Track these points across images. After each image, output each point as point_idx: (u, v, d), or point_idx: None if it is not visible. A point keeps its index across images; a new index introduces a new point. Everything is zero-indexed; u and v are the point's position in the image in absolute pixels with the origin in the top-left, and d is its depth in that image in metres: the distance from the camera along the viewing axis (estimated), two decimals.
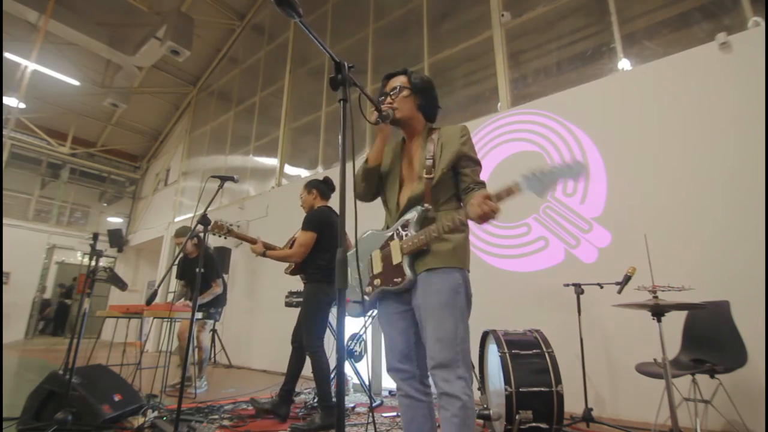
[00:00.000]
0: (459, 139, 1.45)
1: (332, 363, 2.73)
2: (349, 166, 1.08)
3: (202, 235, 2.48)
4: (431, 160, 1.43)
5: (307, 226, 2.78)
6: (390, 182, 1.54)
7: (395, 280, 1.39)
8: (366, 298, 1.48)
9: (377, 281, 1.45)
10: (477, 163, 1.46)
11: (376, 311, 1.51)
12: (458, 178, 1.45)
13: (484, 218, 1.21)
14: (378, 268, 1.46)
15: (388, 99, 1.50)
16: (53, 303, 11.25)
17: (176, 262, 2.98)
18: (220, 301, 4.04)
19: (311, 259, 2.76)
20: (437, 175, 1.41)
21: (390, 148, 1.60)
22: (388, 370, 1.44)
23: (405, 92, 1.50)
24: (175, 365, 4.65)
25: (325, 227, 2.80)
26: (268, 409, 2.66)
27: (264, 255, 2.71)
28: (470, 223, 1.37)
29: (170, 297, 7.87)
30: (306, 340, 2.64)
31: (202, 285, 3.91)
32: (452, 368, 1.26)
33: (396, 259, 1.40)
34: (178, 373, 3.96)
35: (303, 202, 3.00)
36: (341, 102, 1.11)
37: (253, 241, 2.83)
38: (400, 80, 1.53)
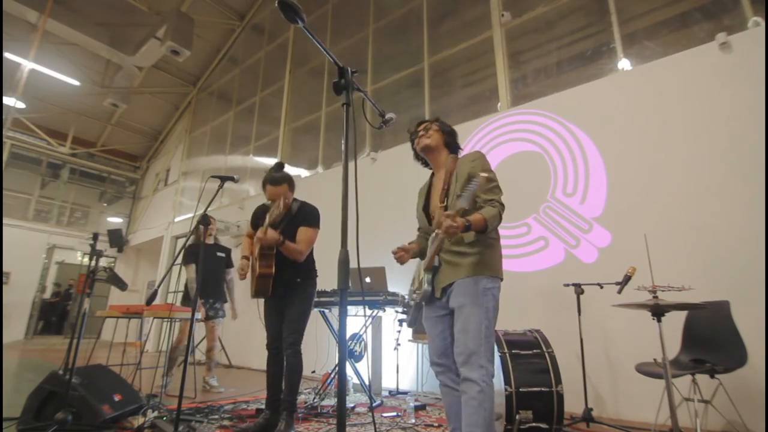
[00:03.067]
0: (470, 163, 1.67)
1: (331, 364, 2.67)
2: (351, 168, 1.08)
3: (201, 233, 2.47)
4: (445, 189, 1.67)
5: (314, 222, 2.61)
6: (421, 220, 1.84)
7: (417, 291, 1.73)
8: (410, 308, 1.80)
9: (415, 295, 1.78)
10: (491, 180, 1.59)
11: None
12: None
13: (446, 233, 1.42)
14: (416, 284, 1.80)
15: (421, 131, 1.83)
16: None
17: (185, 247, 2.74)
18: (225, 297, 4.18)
19: (309, 257, 2.65)
20: (450, 202, 1.63)
21: (421, 189, 1.92)
22: (430, 364, 1.74)
23: (436, 127, 1.85)
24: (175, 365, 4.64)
25: None
26: (265, 425, 2.48)
27: (282, 244, 2.40)
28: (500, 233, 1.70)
29: (170, 297, 7.86)
30: (294, 337, 2.49)
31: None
32: (474, 356, 1.46)
33: (421, 275, 1.74)
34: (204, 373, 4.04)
35: (286, 200, 2.48)
36: (344, 106, 1.12)
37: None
38: (434, 123, 1.87)
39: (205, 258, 3.92)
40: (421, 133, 1.83)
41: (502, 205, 1.60)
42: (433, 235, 1.66)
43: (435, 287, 1.66)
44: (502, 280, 1.64)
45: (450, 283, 1.62)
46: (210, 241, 4.05)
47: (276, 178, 2.50)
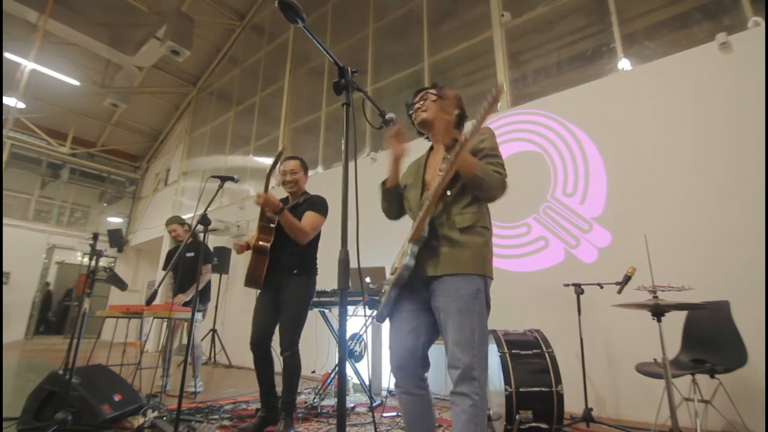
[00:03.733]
0: (478, 137, 1.50)
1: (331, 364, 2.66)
2: (351, 168, 1.09)
3: (201, 234, 2.45)
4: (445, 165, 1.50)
5: (321, 209, 2.52)
6: (412, 193, 1.62)
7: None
8: (383, 300, 1.53)
9: (391, 277, 1.52)
10: (497, 157, 1.48)
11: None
12: None
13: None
14: (396, 266, 1.55)
15: (417, 105, 1.63)
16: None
17: (175, 255, 2.82)
18: (206, 296, 4.10)
19: (310, 249, 2.56)
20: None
21: (415, 161, 1.71)
22: (391, 367, 1.48)
23: (432, 97, 1.63)
24: (175, 365, 4.64)
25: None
26: (262, 424, 2.45)
27: (281, 212, 2.33)
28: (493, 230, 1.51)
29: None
30: (292, 337, 2.41)
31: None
32: (468, 369, 1.33)
33: (404, 249, 1.48)
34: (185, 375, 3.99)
35: (299, 182, 2.62)
36: (344, 106, 1.12)
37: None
38: (429, 91, 1.65)
39: (177, 260, 3.87)
40: (417, 106, 1.63)
41: (505, 181, 1.44)
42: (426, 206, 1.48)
43: (422, 268, 1.44)
44: (492, 279, 1.48)
45: (435, 275, 1.42)
46: (189, 240, 3.98)
47: (292, 156, 2.67)
